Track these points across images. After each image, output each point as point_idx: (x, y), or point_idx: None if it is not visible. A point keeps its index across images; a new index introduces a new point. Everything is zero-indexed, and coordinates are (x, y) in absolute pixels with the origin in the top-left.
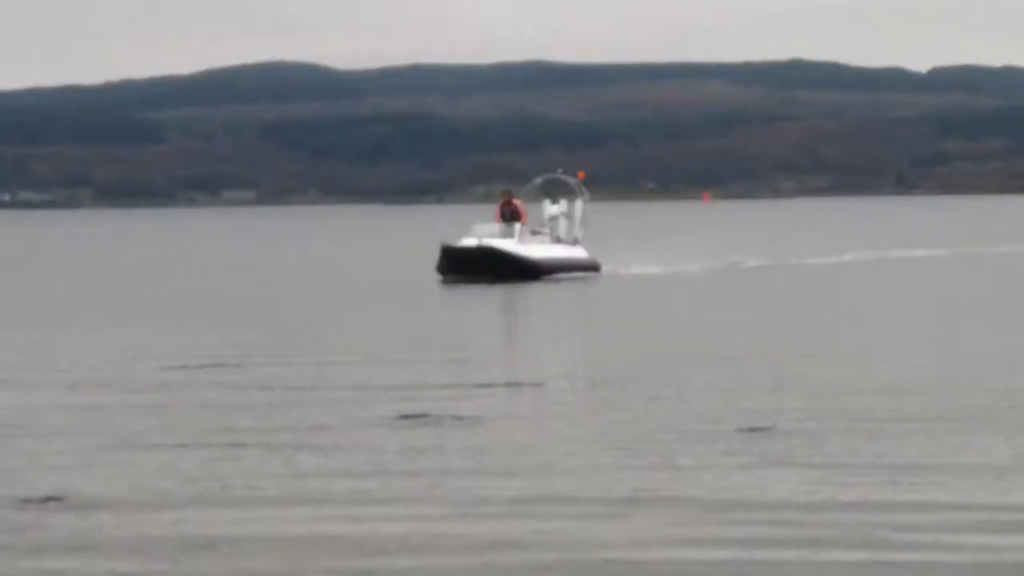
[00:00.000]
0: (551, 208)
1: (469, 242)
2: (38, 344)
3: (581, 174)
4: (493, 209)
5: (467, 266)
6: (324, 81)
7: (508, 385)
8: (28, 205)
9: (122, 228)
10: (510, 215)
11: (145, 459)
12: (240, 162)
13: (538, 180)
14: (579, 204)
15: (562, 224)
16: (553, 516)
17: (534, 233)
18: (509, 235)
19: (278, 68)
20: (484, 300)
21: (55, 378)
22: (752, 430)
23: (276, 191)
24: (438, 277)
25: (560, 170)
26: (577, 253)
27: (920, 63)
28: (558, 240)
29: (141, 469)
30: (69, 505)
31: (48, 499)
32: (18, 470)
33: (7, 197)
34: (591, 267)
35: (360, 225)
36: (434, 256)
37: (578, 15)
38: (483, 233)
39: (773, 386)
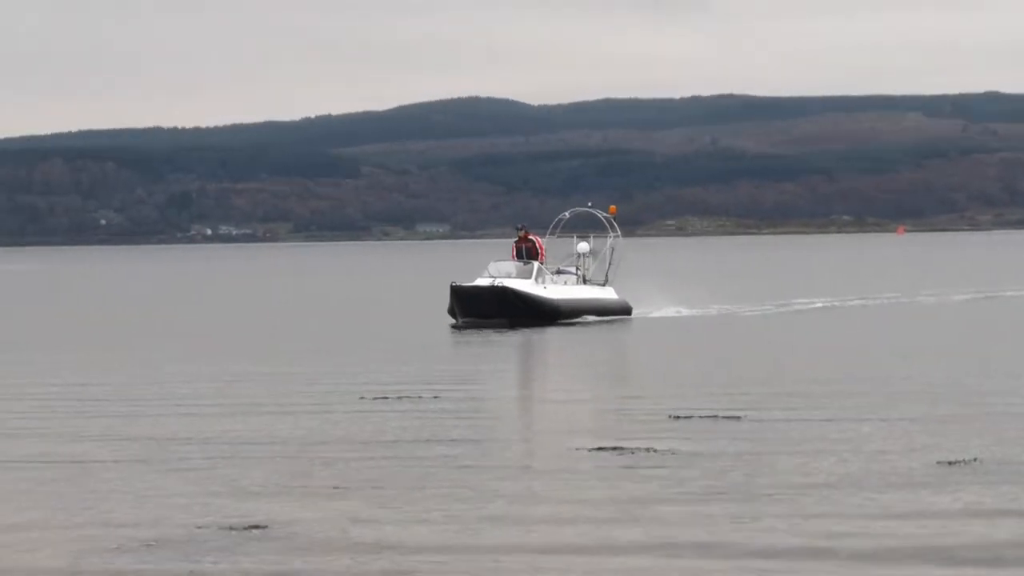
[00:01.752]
0: (581, 245)
1: (482, 282)
2: (242, 375)
3: (613, 208)
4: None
5: (479, 307)
6: (517, 116)
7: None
8: (228, 239)
9: (319, 261)
10: (527, 253)
11: (348, 487)
12: (434, 196)
13: (567, 214)
14: (610, 242)
15: (591, 263)
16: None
17: (560, 272)
18: (527, 274)
19: (472, 103)
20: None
21: (257, 407)
22: None
23: (469, 224)
24: (450, 320)
25: (590, 204)
26: (604, 294)
27: None
28: (585, 280)
29: (343, 497)
30: (272, 534)
31: (252, 527)
32: (222, 497)
33: (208, 231)
34: (620, 310)
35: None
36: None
37: (772, 48)
38: (498, 272)
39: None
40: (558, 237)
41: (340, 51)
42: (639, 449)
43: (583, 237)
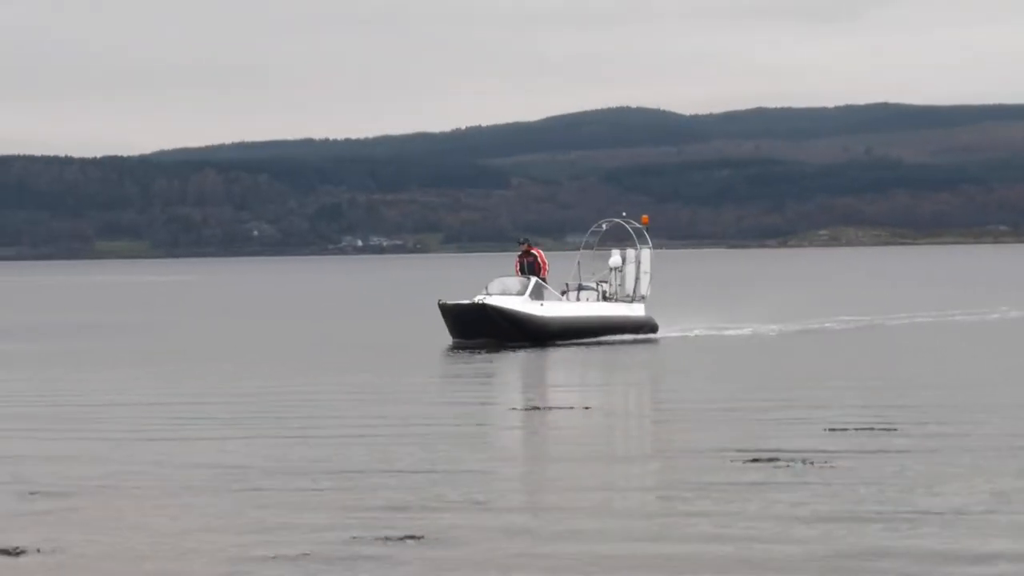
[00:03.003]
0: (613, 259)
1: (467, 299)
2: (398, 388)
3: (645, 219)
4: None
5: (462, 327)
6: (668, 125)
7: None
8: (378, 250)
9: (467, 272)
10: (529, 267)
11: (499, 499)
12: (584, 207)
13: (603, 225)
14: (644, 254)
15: (623, 277)
16: None
17: (581, 288)
18: (521, 290)
19: (622, 114)
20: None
21: (409, 420)
22: None
23: (620, 235)
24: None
25: (624, 214)
26: (623, 311)
27: None
28: (607, 296)
29: (496, 509)
30: (427, 545)
31: (407, 537)
32: (376, 507)
33: (359, 242)
34: (638, 328)
35: (696, 269)
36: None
37: (926, 57)
38: (499, 287)
39: None
40: (596, 250)
41: (490, 63)
42: (795, 461)
43: (608, 251)
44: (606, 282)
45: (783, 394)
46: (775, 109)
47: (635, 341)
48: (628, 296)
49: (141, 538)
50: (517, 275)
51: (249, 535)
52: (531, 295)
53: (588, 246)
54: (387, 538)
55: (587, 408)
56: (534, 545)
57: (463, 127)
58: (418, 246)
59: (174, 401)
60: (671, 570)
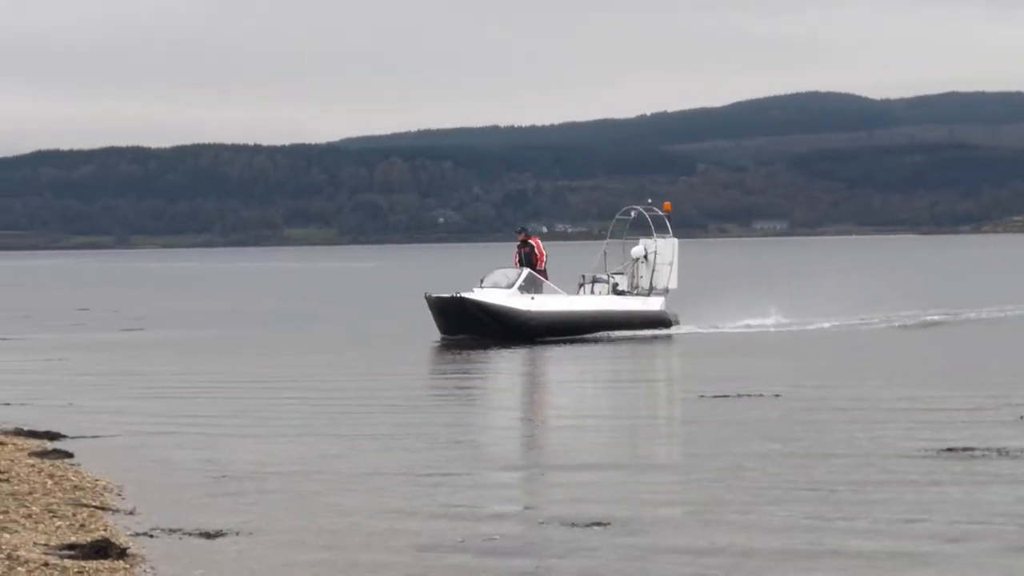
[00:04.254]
0: (635, 249)
1: (449, 293)
2: (613, 375)
3: (668, 206)
4: None
5: (446, 322)
6: (857, 110)
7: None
8: (563, 236)
9: None
10: (526, 258)
11: (691, 486)
12: (772, 193)
13: (632, 212)
14: (665, 244)
15: (643, 269)
16: None
17: (596, 281)
18: (511, 282)
19: (811, 98)
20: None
21: (601, 402)
22: None
23: (808, 221)
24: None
25: (649, 200)
26: (636, 305)
27: None
28: (617, 289)
29: (686, 495)
30: (614, 531)
31: (594, 524)
32: (562, 492)
33: (544, 228)
34: (653, 322)
35: (889, 255)
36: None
37: None
38: (492, 280)
39: None
40: (624, 240)
41: (676, 48)
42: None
43: (637, 240)
44: (621, 274)
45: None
46: (968, 94)
47: (629, 338)
48: (649, 289)
49: (333, 521)
50: (516, 266)
51: (438, 520)
52: (521, 288)
53: (615, 235)
54: (573, 524)
55: (777, 396)
56: (721, 534)
57: (648, 113)
58: (603, 233)
59: (361, 387)
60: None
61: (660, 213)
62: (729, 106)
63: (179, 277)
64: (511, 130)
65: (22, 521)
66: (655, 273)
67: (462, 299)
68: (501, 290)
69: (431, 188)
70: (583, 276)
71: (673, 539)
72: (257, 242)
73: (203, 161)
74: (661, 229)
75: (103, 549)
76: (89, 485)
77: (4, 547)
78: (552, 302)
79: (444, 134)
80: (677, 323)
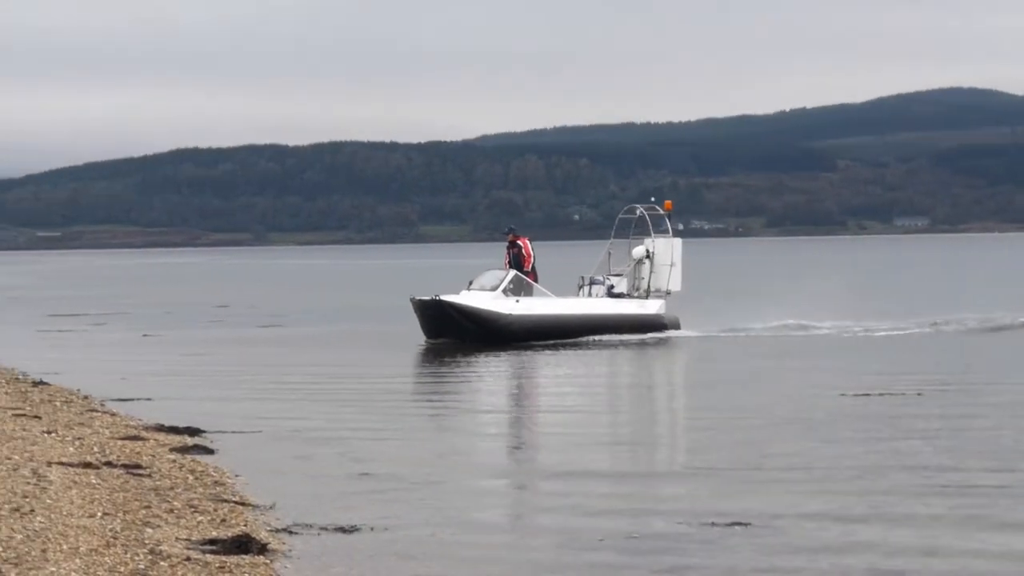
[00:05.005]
0: (636, 249)
1: (429, 295)
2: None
3: (668, 204)
4: None
5: (427, 325)
6: (1002, 106)
7: None
8: (700, 233)
9: (794, 256)
10: (514, 259)
11: (831, 483)
12: (913, 189)
13: (638, 210)
14: (664, 245)
15: (645, 271)
16: None
17: (593, 283)
18: (495, 284)
19: (953, 94)
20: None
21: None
22: None
23: (951, 218)
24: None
25: (652, 200)
26: (632, 308)
27: None
28: (618, 292)
29: (824, 494)
30: (755, 532)
31: (734, 524)
32: (703, 490)
33: (680, 226)
34: (648, 326)
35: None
36: None
37: None
38: (484, 282)
39: None
40: (631, 239)
41: (815, 43)
42: None
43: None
44: (619, 275)
45: None
46: None
47: (619, 343)
48: (649, 291)
49: (471, 517)
50: (506, 268)
51: (579, 517)
52: (506, 290)
53: (620, 234)
54: (713, 524)
55: (922, 394)
56: (858, 531)
57: (787, 109)
58: (740, 230)
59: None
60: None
61: (660, 212)
62: (871, 102)
63: (314, 273)
64: (648, 127)
65: (164, 516)
66: (653, 274)
67: (440, 302)
68: (485, 292)
69: (566, 185)
70: (581, 278)
71: (814, 538)
72: (392, 239)
73: (340, 158)
74: (661, 229)
75: (244, 544)
76: (229, 481)
77: (147, 541)
78: (537, 305)
79: (580, 131)
80: (677, 327)
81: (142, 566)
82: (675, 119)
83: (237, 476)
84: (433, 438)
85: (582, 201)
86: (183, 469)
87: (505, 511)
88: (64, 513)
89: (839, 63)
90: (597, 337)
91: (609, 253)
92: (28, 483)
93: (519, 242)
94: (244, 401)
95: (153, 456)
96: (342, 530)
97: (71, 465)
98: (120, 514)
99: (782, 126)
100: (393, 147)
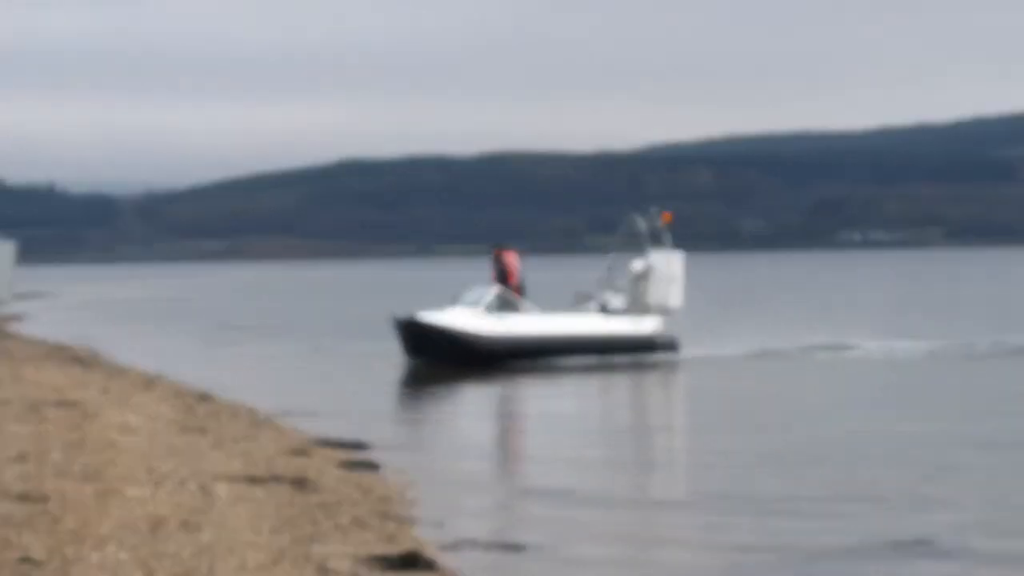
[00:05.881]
0: (635, 264)
1: (405, 314)
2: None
3: (667, 216)
4: None
5: (409, 345)
6: None
7: None
8: (878, 244)
9: (972, 269)
10: (500, 274)
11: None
12: None
13: (642, 223)
14: (661, 259)
15: (647, 286)
16: None
17: (582, 299)
18: (476, 302)
19: None
20: None
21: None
22: None
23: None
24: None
25: (654, 209)
26: (624, 327)
27: None
28: (612, 309)
29: (1007, 510)
30: (937, 551)
31: (917, 542)
32: (889, 507)
33: (858, 236)
34: (641, 346)
35: None
36: None
37: None
38: (467, 299)
39: None
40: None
41: (997, 48)
42: None
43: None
44: (614, 291)
45: None
46: None
47: (597, 366)
48: (638, 309)
49: (643, 537)
50: (493, 283)
51: (751, 535)
52: (489, 307)
53: (622, 248)
54: (896, 543)
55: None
56: None
57: (967, 117)
58: (918, 241)
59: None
60: None
61: (659, 225)
62: None
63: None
64: (823, 136)
65: (331, 532)
66: (650, 290)
67: (412, 322)
68: (467, 310)
69: (737, 196)
70: (578, 294)
71: (1002, 554)
72: (560, 250)
73: (505, 169)
74: (655, 242)
75: (411, 561)
76: (396, 496)
77: (314, 557)
78: (519, 324)
79: (751, 140)
80: (673, 347)
81: None
82: (850, 127)
83: (404, 492)
84: (602, 459)
85: (752, 212)
86: (349, 484)
87: (691, 531)
88: (231, 528)
89: (1017, 70)
90: (581, 360)
91: (609, 268)
92: (195, 498)
93: (505, 257)
94: (411, 417)
95: (319, 471)
96: (509, 548)
97: (238, 480)
98: (287, 530)
99: (961, 134)
100: (560, 157)
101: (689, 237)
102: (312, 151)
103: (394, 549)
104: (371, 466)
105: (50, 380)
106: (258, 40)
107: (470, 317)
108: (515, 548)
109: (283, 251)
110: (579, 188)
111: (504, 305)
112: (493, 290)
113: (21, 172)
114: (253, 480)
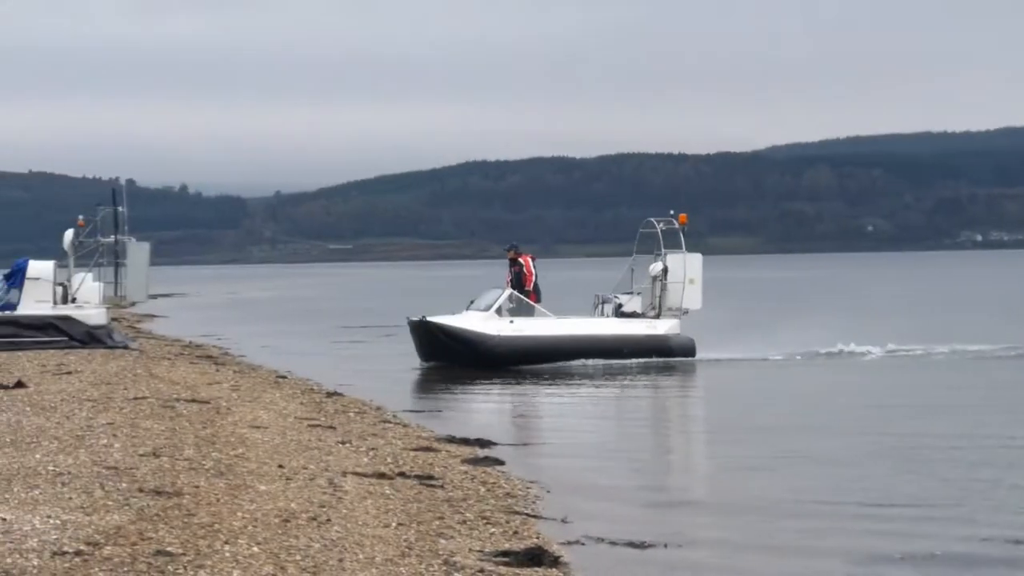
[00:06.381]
0: (655, 266)
1: (417, 316)
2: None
3: (683, 217)
4: None
5: (421, 347)
6: None
7: None
8: (999, 245)
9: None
10: (516, 277)
11: None
12: None
13: (660, 225)
14: (678, 260)
15: (662, 288)
16: None
17: (604, 302)
18: (489, 304)
19: None
20: None
21: None
22: None
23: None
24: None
25: (672, 212)
26: (639, 329)
27: None
28: (629, 311)
29: None
30: None
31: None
32: (1003, 509)
33: (978, 237)
34: (655, 349)
35: None
36: None
37: None
38: (480, 301)
39: None
40: (656, 255)
41: None
42: None
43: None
44: (630, 293)
45: None
46: None
47: (602, 368)
48: (654, 312)
49: (764, 541)
50: (507, 287)
51: (875, 538)
52: (500, 310)
53: (642, 250)
54: (1018, 541)
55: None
56: None
57: None
58: None
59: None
60: None
61: (676, 226)
62: None
63: (603, 285)
64: (945, 136)
65: (457, 527)
66: (666, 292)
67: (427, 323)
68: (478, 313)
69: (859, 196)
70: (597, 296)
71: None
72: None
73: (627, 170)
74: (670, 244)
75: (536, 557)
76: (520, 492)
77: (441, 552)
78: (529, 326)
79: (874, 140)
80: (690, 350)
81: None
82: (973, 128)
83: (528, 488)
84: (719, 457)
85: (875, 212)
86: (475, 480)
87: (796, 535)
88: (359, 523)
89: None
90: (592, 361)
91: (632, 269)
92: (324, 493)
93: (521, 260)
94: (536, 413)
95: (445, 467)
96: (635, 545)
97: (365, 475)
98: (414, 524)
99: None
100: (681, 158)
101: (811, 237)
102: (437, 153)
103: (519, 545)
104: (496, 463)
105: (183, 378)
106: (384, 44)
107: (481, 319)
108: (640, 545)
109: (408, 251)
110: (700, 189)
111: (516, 308)
112: (506, 293)
113: (155, 176)
114: (380, 476)
